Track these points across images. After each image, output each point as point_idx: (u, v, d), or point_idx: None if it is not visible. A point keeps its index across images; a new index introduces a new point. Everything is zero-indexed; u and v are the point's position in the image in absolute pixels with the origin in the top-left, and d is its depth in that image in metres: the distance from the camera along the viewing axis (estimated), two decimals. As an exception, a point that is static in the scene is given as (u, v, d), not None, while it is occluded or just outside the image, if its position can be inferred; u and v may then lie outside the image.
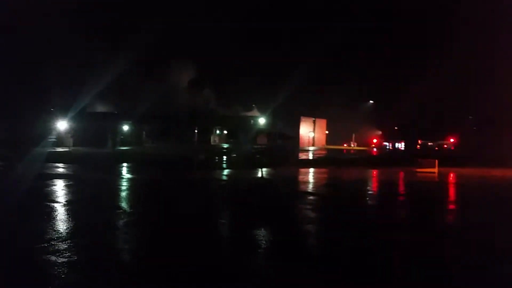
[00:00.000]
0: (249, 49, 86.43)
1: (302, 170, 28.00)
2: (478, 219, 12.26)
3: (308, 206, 14.08)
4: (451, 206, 15.46)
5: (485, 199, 16.64)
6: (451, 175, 25.64)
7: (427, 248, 9.05)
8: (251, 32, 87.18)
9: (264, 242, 9.45)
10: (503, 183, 22.51)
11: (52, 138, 48.82)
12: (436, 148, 61.53)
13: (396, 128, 75.25)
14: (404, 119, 72.87)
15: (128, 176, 23.23)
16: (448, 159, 33.94)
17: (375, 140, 72.63)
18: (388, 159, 41.79)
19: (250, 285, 6.83)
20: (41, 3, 52.92)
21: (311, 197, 16.17)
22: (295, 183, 21.31)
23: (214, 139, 67.38)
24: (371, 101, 76.96)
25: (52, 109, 53.60)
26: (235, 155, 40.60)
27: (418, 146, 64.40)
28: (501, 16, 46.95)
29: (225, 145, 60.98)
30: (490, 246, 9.22)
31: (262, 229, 10.44)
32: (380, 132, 77.82)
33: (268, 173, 23.76)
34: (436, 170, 26.88)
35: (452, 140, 63.87)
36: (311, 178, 23.68)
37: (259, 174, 22.57)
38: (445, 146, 63.50)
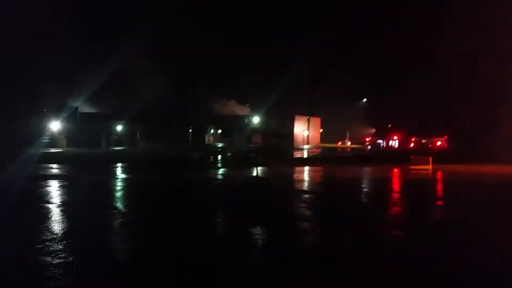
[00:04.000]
0: (243, 48, 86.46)
1: (298, 168, 28.07)
2: (467, 214, 12.39)
3: (304, 204, 14.15)
4: (442, 202, 15.57)
5: (477, 194, 16.80)
6: (445, 171, 25.81)
7: (425, 245, 9.11)
8: (245, 30, 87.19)
9: (261, 239, 9.48)
10: (494, 178, 22.69)
11: (45, 139, 48.45)
12: (430, 146, 61.73)
13: (389, 125, 75.53)
14: (397, 116, 73.17)
15: (123, 176, 23.14)
16: (441, 156, 34.12)
17: (368, 138, 72.93)
18: (382, 156, 41.97)
19: (248, 282, 6.84)
20: (33, 3, 52.52)
21: (306, 195, 16.22)
22: (290, 181, 21.34)
23: (208, 139, 67.26)
24: (364, 99, 77.33)
25: (45, 110, 53.20)
26: (230, 154, 40.54)
27: (412, 143, 64.59)
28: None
29: (220, 144, 60.89)
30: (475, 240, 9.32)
31: (259, 227, 10.46)
32: (373, 130, 78.14)
33: (263, 172, 23.78)
34: (430, 167, 27.05)
35: (445, 137, 64.10)
36: (306, 177, 23.74)
37: (255, 173, 22.58)
38: (439, 143, 63.74)
